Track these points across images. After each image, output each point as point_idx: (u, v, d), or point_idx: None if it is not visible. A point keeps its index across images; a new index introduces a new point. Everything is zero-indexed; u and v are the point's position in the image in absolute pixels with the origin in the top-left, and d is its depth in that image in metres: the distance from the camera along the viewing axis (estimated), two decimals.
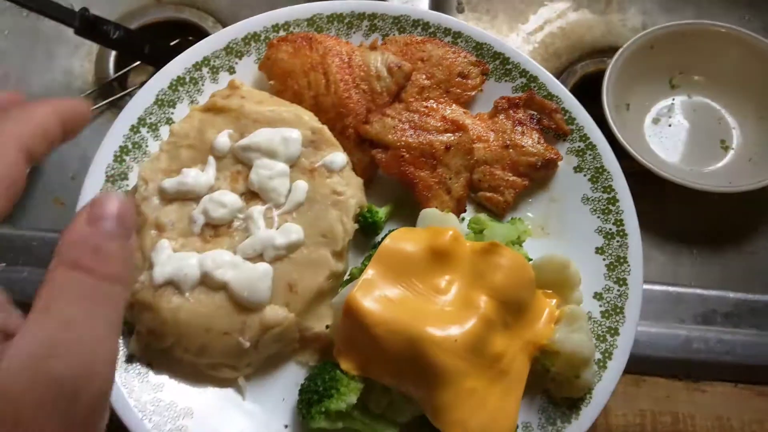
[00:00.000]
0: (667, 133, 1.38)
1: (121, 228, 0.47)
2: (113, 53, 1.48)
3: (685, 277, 1.30)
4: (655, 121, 1.39)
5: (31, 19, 1.50)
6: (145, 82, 1.48)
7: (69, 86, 1.46)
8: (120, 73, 1.46)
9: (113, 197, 0.48)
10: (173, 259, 0.87)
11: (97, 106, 1.40)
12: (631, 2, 1.55)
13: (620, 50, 1.31)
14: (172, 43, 1.46)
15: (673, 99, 1.41)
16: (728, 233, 1.34)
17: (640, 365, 0.97)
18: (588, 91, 1.33)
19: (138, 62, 1.45)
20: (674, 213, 1.33)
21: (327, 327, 0.92)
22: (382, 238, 0.90)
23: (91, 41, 1.42)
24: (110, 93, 1.43)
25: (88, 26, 1.24)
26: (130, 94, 1.43)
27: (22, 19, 1.51)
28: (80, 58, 1.49)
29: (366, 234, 0.99)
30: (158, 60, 1.38)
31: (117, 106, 1.43)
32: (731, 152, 1.36)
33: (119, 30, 1.30)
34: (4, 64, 1.47)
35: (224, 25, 1.50)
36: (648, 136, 1.38)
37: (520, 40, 1.52)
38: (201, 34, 1.50)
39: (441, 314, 0.82)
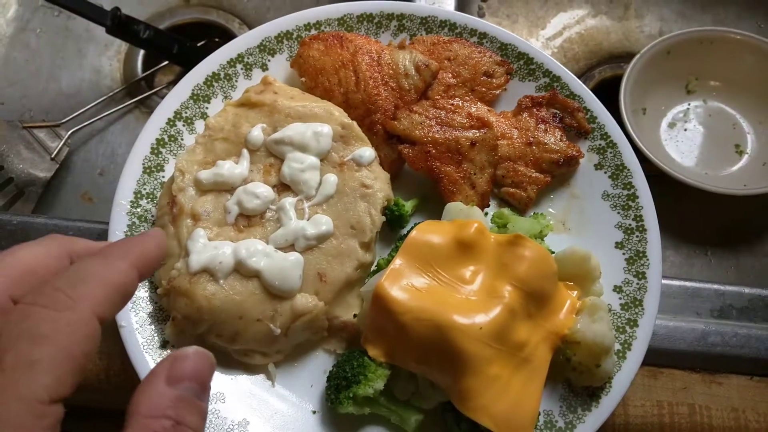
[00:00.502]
0: (683, 137, 1.41)
1: (202, 390, 0.46)
2: (141, 53, 1.52)
3: (700, 277, 1.32)
4: (671, 125, 1.42)
5: (63, 18, 1.55)
6: (172, 81, 1.54)
7: (98, 84, 1.50)
8: (148, 72, 1.50)
9: (191, 354, 0.47)
10: (208, 247, 0.91)
11: (125, 104, 1.44)
12: (648, 9, 1.58)
13: (638, 55, 1.34)
14: (199, 44, 1.49)
15: (689, 104, 1.43)
16: (742, 235, 1.36)
17: (657, 357, 0.99)
18: (605, 96, 1.35)
19: (166, 62, 1.49)
20: (689, 215, 1.36)
21: (354, 316, 0.95)
22: (409, 231, 0.93)
23: (122, 40, 1.46)
24: (138, 92, 1.47)
25: (120, 25, 1.28)
26: (158, 93, 1.47)
27: (53, 18, 1.55)
28: (109, 57, 1.53)
29: (392, 226, 1.02)
30: (186, 60, 1.42)
31: (145, 105, 1.47)
32: (746, 156, 1.38)
33: (149, 30, 1.33)
34: (37, 61, 1.51)
35: (250, 27, 1.54)
36: (664, 139, 1.40)
37: (539, 45, 1.55)
38: (227, 35, 1.54)
39: (466, 303, 0.85)
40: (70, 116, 1.39)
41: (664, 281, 1.04)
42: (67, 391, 0.42)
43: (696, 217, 1.36)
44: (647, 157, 1.24)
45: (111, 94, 1.45)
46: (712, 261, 1.36)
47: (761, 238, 1.36)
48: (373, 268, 0.99)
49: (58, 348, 0.42)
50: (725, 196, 1.25)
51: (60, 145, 1.36)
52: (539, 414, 0.88)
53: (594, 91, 1.44)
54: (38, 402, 0.40)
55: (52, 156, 1.36)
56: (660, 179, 1.25)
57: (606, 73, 1.49)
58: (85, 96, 1.48)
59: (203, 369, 0.47)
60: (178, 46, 1.40)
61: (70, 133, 1.37)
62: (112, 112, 1.43)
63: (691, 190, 1.25)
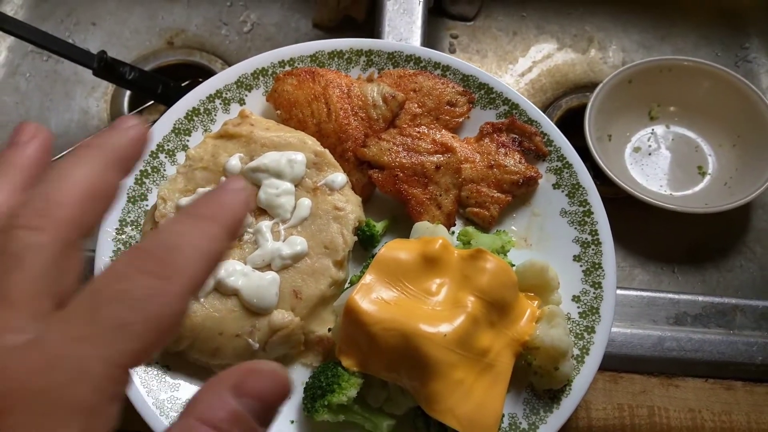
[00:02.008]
0: (648, 161, 1.47)
1: (264, 415, 0.40)
2: (127, 93, 1.58)
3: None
4: (636, 149, 1.48)
5: (51, 63, 1.62)
6: (157, 119, 1.60)
7: (86, 125, 1.56)
8: (134, 111, 1.56)
9: (268, 372, 0.41)
10: None
11: None
12: (610, 41, 1.67)
13: (600, 85, 1.41)
14: (183, 84, 1.56)
15: (653, 129, 1.50)
16: (706, 252, 1.42)
17: (617, 363, 1.05)
18: (573, 124, 1.43)
19: (151, 101, 1.56)
20: (656, 234, 1.41)
21: (329, 330, 1.00)
22: (379, 249, 0.99)
23: (108, 82, 1.53)
24: None
25: (106, 68, 1.33)
26: None
27: (42, 62, 1.62)
28: (96, 99, 1.60)
29: (365, 246, 1.08)
30: (170, 99, 1.46)
31: None
32: (708, 177, 1.44)
33: (134, 71, 1.39)
34: (26, 104, 1.58)
35: None
36: (629, 164, 1.47)
37: (509, 78, 1.63)
38: (210, 75, 1.58)
39: (432, 313, 0.91)
40: (59, 155, 1.45)
41: (623, 291, 1.11)
42: (146, 360, 0.41)
43: (662, 237, 1.42)
44: (614, 181, 1.30)
45: (98, 133, 1.51)
46: (679, 278, 1.41)
47: (724, 254, 1.42)
48: (347, 285, 1.04)
49: (150, 316, 0.39)
50: (689, 215, 1.30)
51: None
52: (504, 416, 0.93)
53: (561, 119, 1.54)
54: (118, 367, 0.38)
55: None
56: (627, 202, 1.31)
57: (572, 103, 1.56)
58: (73, 136, 1.54)
59: (277, 392, 0.41)
60: (162, 87, 1.45)
61: None
62: None
63: (657, 210, 1.30)
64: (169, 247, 0.42)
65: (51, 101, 1.59)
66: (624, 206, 1.34)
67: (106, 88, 1.61)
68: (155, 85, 1.46)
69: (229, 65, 1.63)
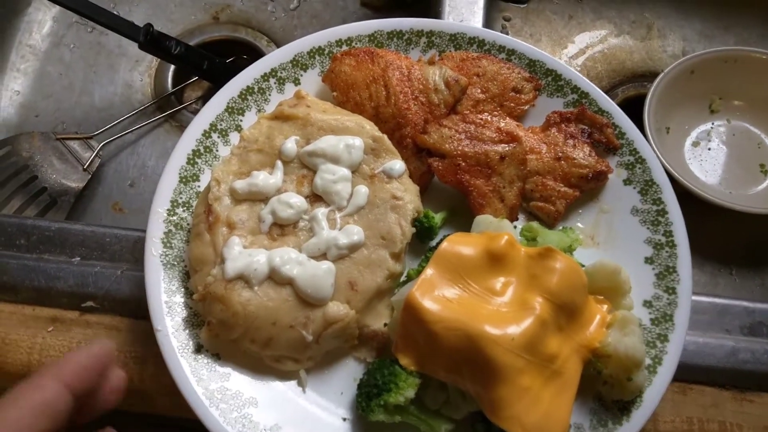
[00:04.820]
0: (707, 156, 1.41)
1: None
2: (171, 68, 1.56)
3: (725, 295, 1.30)
4: (695, 144, 1.42)
5: (95, 34, 1.59)
6: (201, 96, 1.58)
7: (129, 99, 1.54)
8: (178, 87, 1.53)
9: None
10: (243, 255, 0.93)
11: (155, 118, 1.47)
12: (670, 29, 1.59)
13: (661, 74, 1.35)
14: (227, 61, 1.52)
15: (713, 123, 1.44)
16: (766, 254, 1.35)
17: (687, 373, 0.99)
18: (629, 115, 1.35)
19: (195, 78, 1.53)
20: (713, 234, 1.35)
21: (385, 325, 0.96)
22: (438, 243, 0.94)
23: (153, 56, 1.50)
24: (168, 106, 1.51)
25: (152, 41, 1.31)
26: (187, 108, 1.51)
27: (87, 34, 1.60)
28: (140, 73, 1.57)
29: (421, 238, 1.03)
30: (215, 76, 1.45)
31: (175, 119, 1.50)
32: None
33: (180, 46, 1.36)
34: (70, 75, 1.55)
35: (278, 45, 1.57)
36: (688, 159, 1.41)
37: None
38: (255, 52, 1.57)
39: (497, 314, 0.86)
40: (102, 129, 1.42)
41: (694, 297, 1.04)
42: None
43: (720, 236, 1.36)
44: (671, 176, 1.24)
45: (142, 108, 1.48)
46: (737, 280, 1.35)
47: None
48: (403, 278, 1.00)
49: None
50: (750, 215, 1.24)
51: (92, 157, 1.39)
52: (570, 427, 0.88)
53: None
54: None
55: (85, 167, 1.39)
56: (684, 198, 1.24)
57: (629, 92, 1.50)
58: (116, 109, 1.51)
59: None
60: (207, 63, 1.43)
61: (102, 145, 1.40)
62: (142, 126, 1.46)
63: (715, 209, 1.24)
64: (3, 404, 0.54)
65: (95, 73, 1.56)
66: (680, 202, 1.25)
67: (151, 62, 1.58)
68: (201, 61, 1.43)
69: (275, 42, 1.59)
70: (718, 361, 1.00)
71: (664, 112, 1.37)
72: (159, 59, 1.55)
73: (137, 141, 1.48)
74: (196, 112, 1.51)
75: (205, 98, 1.54)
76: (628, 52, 1.58)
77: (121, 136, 1.44)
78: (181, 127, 1.49)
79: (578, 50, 1.58)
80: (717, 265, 1.36)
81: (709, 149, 1.42)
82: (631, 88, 1.51)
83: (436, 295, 0.87)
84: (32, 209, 1.33)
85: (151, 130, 1.49)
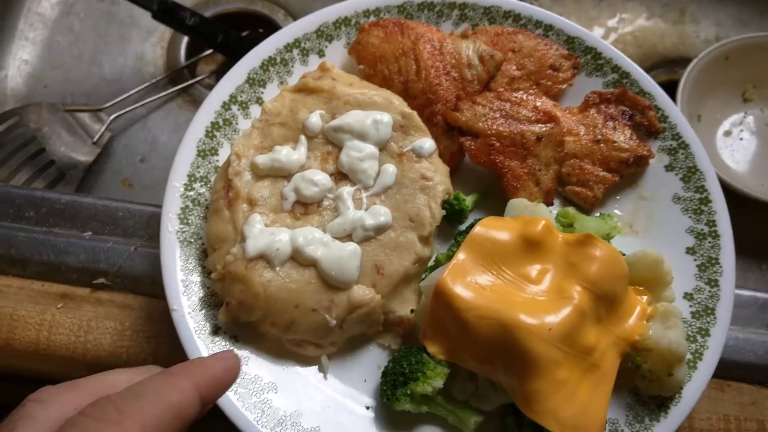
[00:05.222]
0: (739, 147, 1.37)
1: None
2: (184, 41, 1.50)
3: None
4: (727, 133, 1.38)
5: (107, 3, 1.53)
6: (214, 70, 1.52)
7: (140, 71, 1.48)
8: (191, 60, 1.47)
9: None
10: (265, 233, 0.88)
11: (167, 91, 1.42)
12: (704, 14, 1.54)
13: (695, 60, 1.31)
14: (243, 34, 1.46)
15: (746, 112, 1.39)
16: None
17: (725, 370, 0.94)
18: None
19: (209, 51, 1.47)
20: (743, 226, 1.28)
21: (412, 311, 0.91)
22: (468, 227, 0.89)
23: (167, 26, 1.44)
24: (181, 80, 1.45)
25: (166, 11, 1.26)
26: (201, 82, 1.45)
27: (97, 3, 1.54)
28: (152, 44, 1.51)
29: (451, 222, 0.98)
30: (230, 49, 1.39)
31: (187, 93, 1.44)
32: None
33: (195, 17, 1.31)
34: (80, 45, 1.49)
35: (295, 18, 1.51)
36: (719, 148, 1.36)
37: None
38: (272, 26, 1.51)
39: (533, 303, 0.81)
40: (112, 101, 1.37)
41: (735, 291, 0.99)
42: None
43: (750, 229, 1.29)
44: None
45: (153, 81, 1.43)
46: (767, 275, 1.31)
47: None
48: (431, 263, 0.95)
49: None
50: None
51: (102, 130, 1.34)
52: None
53: None
54: None
55: (94, 140, 1.34)
56: None
57: (660, 77, 1.45)
58: (127, 82, 1.46)
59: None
60: (222, 35, 1.37)
61: (112, 118, 1.35)
62: (154, 99, 1.40)
63: (746, 200, 1.20)
64: (129, 397, 0.49)
65: (105, 44, 1.50)
66: None
67: (163, 33, 1.52)
68: (215, 33, 1.37)
69: (292, 16, 1.53)
70: (758, 357, 0.95)
71: (697, 99, 1.32)
72: (172, 30, 1.50)
73: (148, 115, 1.43)
74: (209, 86, 1.47)
75: (219, 72, 1.49)
76: (659, 35, 1.53)
77: (132, 109, 1.38)
78: (194, 101, 1.44)
79: (608, 32, 1.53)
80: (746, 259, 1.31)
81: (741, 139, 1.38)
82: (662, 73, 1.46)
83: (469, 282, 0.83)
84: (39, 182, 1.28)
85: (162, 104, 1.44)
